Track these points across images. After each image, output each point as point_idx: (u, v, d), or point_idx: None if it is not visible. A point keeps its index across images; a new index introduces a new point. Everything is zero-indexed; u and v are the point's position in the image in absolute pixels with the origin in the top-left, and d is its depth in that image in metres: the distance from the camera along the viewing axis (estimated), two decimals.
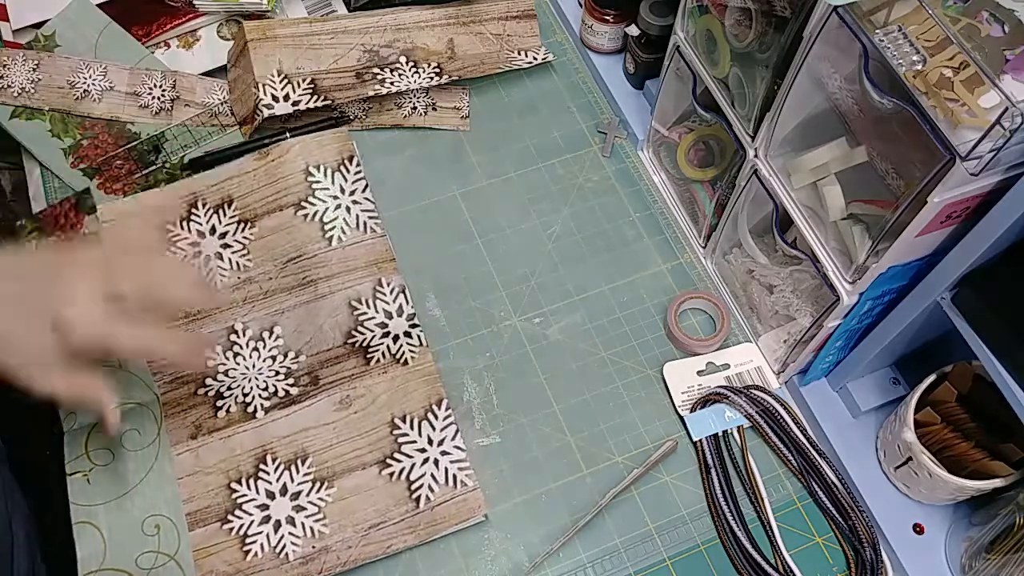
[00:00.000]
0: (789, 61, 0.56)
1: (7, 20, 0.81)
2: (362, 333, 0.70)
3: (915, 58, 0.47)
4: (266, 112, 0.78)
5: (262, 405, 0.67)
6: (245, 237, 0.73)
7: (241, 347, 0.69)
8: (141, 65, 0.81)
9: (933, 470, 0.59)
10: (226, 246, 0.72)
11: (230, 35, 0.85)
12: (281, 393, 0.67)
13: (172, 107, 0.81)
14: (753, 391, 0.69)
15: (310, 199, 0.73)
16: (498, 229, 0.78)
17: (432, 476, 0.64)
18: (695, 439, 0.67)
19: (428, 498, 0.63)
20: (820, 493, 0.66)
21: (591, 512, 0.64)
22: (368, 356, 0.69)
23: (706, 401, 0.69)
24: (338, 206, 0.74)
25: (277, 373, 0.68)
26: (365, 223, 0.73)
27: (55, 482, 0.64)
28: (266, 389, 0.67)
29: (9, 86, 0.79)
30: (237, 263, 0.72)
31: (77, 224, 0.74)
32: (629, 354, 0.72)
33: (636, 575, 0.63)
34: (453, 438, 0.66)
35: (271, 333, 0.70)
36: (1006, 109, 0.43)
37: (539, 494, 0.66)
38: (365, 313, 0.71)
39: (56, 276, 0.54)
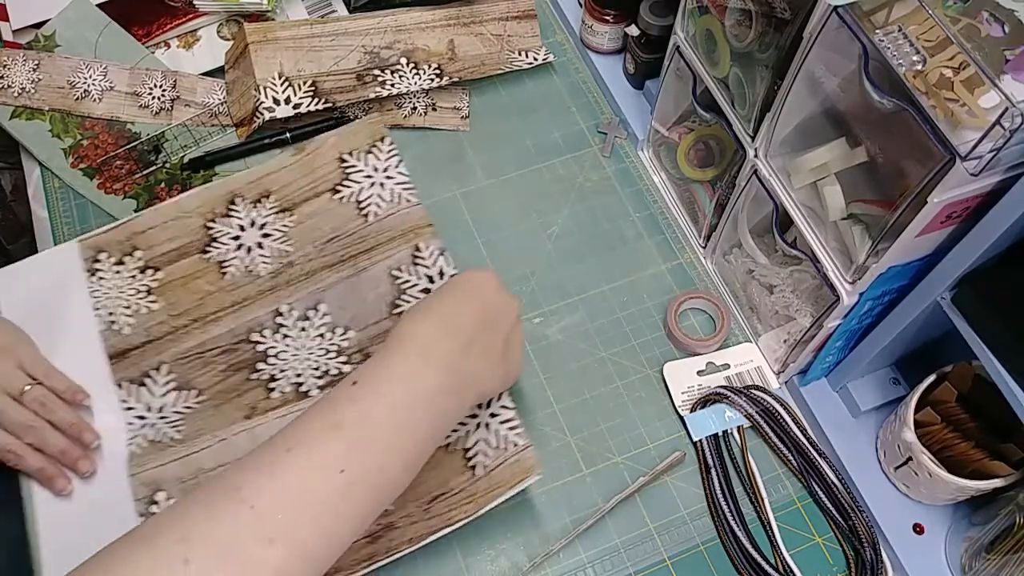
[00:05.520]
0: (789, 61, 0.56)
1: (7, 20, 0.81)
2: (406, 302, 0.69)
3: (915, 58, 0.47)
4: (267, 115, 0.78)
5: (316, 385, 0.67)
6: (285, 225, 0.73)
7: (288, 328, 0.69)
8: (141, 65, 0.81)
9: (933, 470, 0.59)
10: (266, 235, 0.73)
11: (230, 35, 0.85)
12: (334, 372, 0.67)
13: (172, 107, 0.81)
14: (753, 391, 0.69)
15: (345, 182, 0.74)
16: (498, 229, 0.78)
17: (485, 441, 0.63)
18: (695, 439, 0.67)
19: (484, 465, 0.63)
20: (820, 493, 0.66)
21: (593, 516, 0.64)
22: None
23: (706, 401, 0.69)
24: (372, 184, 0.74)
25: (328, 352, 0.68)
26: (400, 195, 0.73)
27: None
28: (318, 369, 0.67)
29: (9, 86, 0.79)
30: (278, 249, 0.72)
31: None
32: (629, 354, 0.72)
33: (636, 575, 0.63)
34: (499, 398, 0.64)
35: (316, 311, 0.69)
36: (1006, 109, 0.43)
37: (539, 494, 0.66)
38: (407, 281, 0.70)
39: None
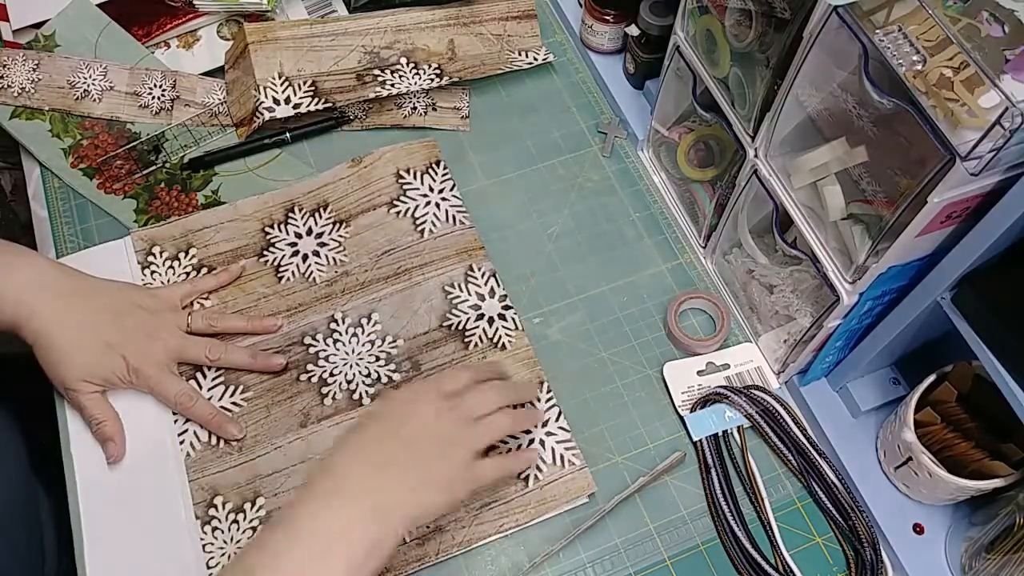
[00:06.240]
0: (789, 61, 0.56)
1: (7, 20, 0.81)
2: (456, 316, 0.71)
3: (915, 58, 0.47)
4: (267, 115, 0.78)
5: (367, 392, 0.68)
6: (341, 235, 0.75)
7: (341, 334, 0.70)
8: (141, 65, 0.81)
9: (933, 470, 0.59)
10: (323, 244, 0.75)
11: (230, 35, 0.85)
12: (384, 379, 0.68)
13: (172, 107, 0.81)
14: (753, 391, 0.69)
15: (401, 198, 0.77)
16: (498, 229, 0.78)
17: (540, 457, 0.65)
18: (695, 439, 0.67)
19: (537, 477, 0.64)
20: (820, 493, 0.66)
21: (593, 516, 0.64)
22: (466, 340, 0.70)
23: (706, 401, 0.69)
24: (428, 203, 0.77)
25: (377, 359, 0.69)
26: (454, 216, 0.76)
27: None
28: (369, 376, 0.68)
29: (9, 86, 0.79)
30: (334, 259, 0.74)
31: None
32: (629, 354, 0.72)
33: (636, 575, 0.63)
34: (557, 419, 0.67)
35: (369, 320, 0.71)
36: (1006, 109, 0.43)
37: None
38: (458, 296, 0.72)
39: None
